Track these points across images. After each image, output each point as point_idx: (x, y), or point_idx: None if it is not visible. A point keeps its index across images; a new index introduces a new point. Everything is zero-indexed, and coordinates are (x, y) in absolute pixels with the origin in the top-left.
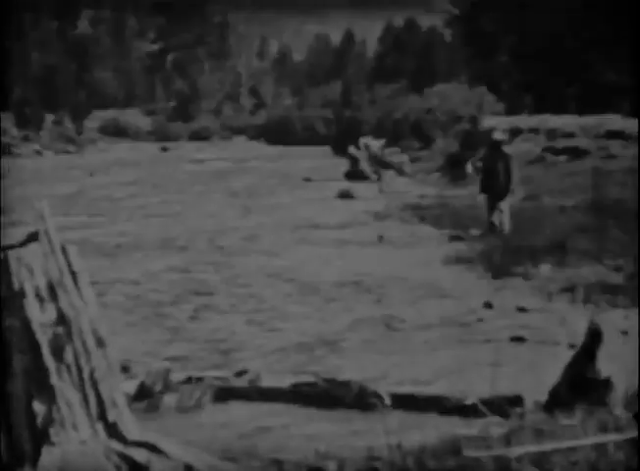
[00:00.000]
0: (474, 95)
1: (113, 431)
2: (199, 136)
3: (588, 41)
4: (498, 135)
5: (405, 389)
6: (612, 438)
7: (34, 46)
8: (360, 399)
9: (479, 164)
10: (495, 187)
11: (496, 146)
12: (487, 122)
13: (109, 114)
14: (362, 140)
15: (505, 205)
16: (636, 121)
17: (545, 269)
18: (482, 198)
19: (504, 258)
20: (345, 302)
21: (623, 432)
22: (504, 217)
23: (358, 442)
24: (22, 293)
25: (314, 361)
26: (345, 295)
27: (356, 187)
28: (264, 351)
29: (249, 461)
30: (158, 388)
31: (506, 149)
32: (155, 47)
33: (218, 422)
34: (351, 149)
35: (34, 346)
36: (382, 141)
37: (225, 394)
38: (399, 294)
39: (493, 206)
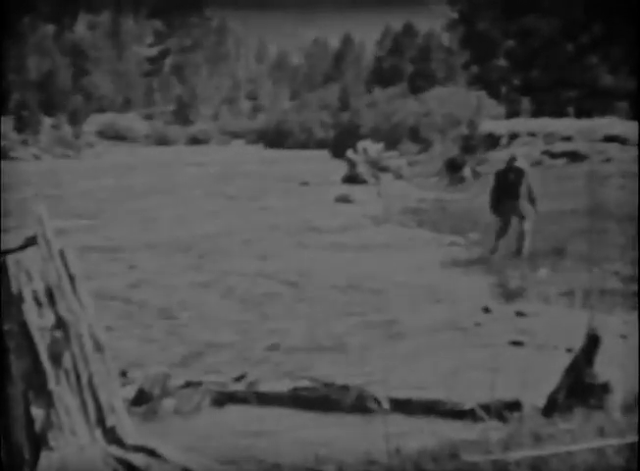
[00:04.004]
0: (472, 99)
1: (111, 436)
2: (197, 140)
3: (586, 45)
4: (520, 163)
5: (404, 393)
6: (610, 442)
7: (32, 50)
8: (359, 404)
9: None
10: (514, 210)
11: (514, 167)
12: (485, 125)
13: (107, 118)
14: (360, 144)
15: (527, 227)
16: (634, 124)
17: (543, 273)
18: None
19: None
20: (343, 306)
21: (622, 436)
22: (526, 242)
23: (357, 446)
24: (20, 298)
25: (313, 365)
26: (343, 299)
27: (354, 191)
28: (263, 355)
29: (248, 466)
30: (157, 392)
31: (522, 165)
32: (153, 51)
33: (217, 426)
34: (350, 153)
35: (32, 351)
36: (380, 145)
37: (223, 399)
38: (397, 298)
39: (505, 229)
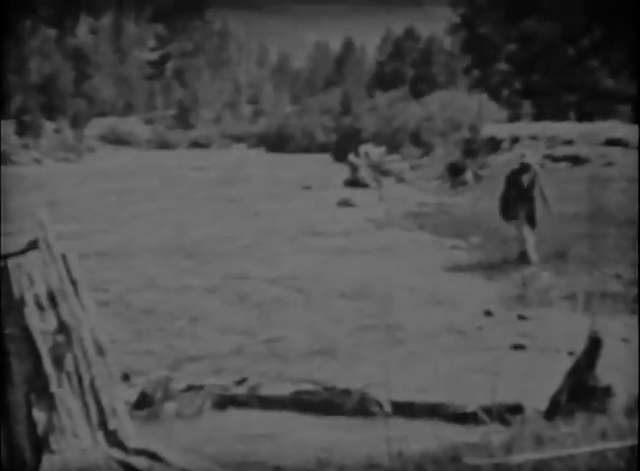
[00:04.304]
0: (474, 103)
1: (113, 439)
2: (199, 144)
3: (587, 49)
4: (530, 159)
5: (406, 396)
6: (612, 445)
7: (34, 54)
8: (361, 407)
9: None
10: (527, 213)
11: (525, 168)
12: (487, 129)
13: (108, 122)
14: (362, 148)
15: (535, 233)
16: (635, 128)
17: (545, 276)
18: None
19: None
20: (345, 310)
21: (624, 439)
22: (529, 246)
23: (359, 449)
24: (22, 302)
25: (315, 369)
26: (345, 303)
27: (356, 195)
28: (264, 359)
29: (250, 468)
30: (158, 396)
31: (536, 168)
32: (155, 55)
33: (218, 430)
34: (351, 157)
35: (35, 354)
36: (382, 149)
37: (225, 402)
38: (399, 302)
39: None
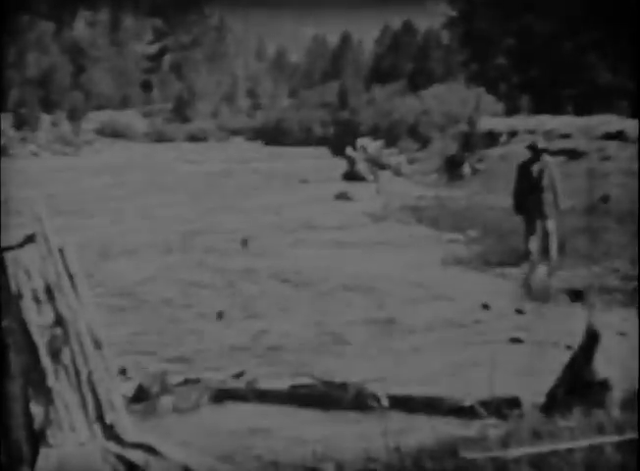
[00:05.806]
0: (472, 96)
1: (110, 433)
2: (196, 138)
3: (586, 42)
4: (541, 144)
5: (403, 390)
6: (609, 439)
7: (31, 47)
8: (358, 401)
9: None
10: (537, 205)
11: (536, 157)
12: (485, 123)
13: (106, 115)
14: (360, 142)
15: (551, 225)
16: (633, 122)
17: (542, 270)
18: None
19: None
20: (342, 304)
21: (621, 433)
22: (551, 241)
23: (356, 443)
24: (19, 295)
25: (312, 363)
26: (342, 297)
27: (354, 189)
28: (262, 353)
29: (247, 463)
30: (155, 389)
31: (547, 158)
32: (152, 49)
33: (215, 424)
34: (349, 150)
35: (32, 348)
36: (379, 142)
37: (222, 396)
38: (396, 296)
39: (532, 228)
